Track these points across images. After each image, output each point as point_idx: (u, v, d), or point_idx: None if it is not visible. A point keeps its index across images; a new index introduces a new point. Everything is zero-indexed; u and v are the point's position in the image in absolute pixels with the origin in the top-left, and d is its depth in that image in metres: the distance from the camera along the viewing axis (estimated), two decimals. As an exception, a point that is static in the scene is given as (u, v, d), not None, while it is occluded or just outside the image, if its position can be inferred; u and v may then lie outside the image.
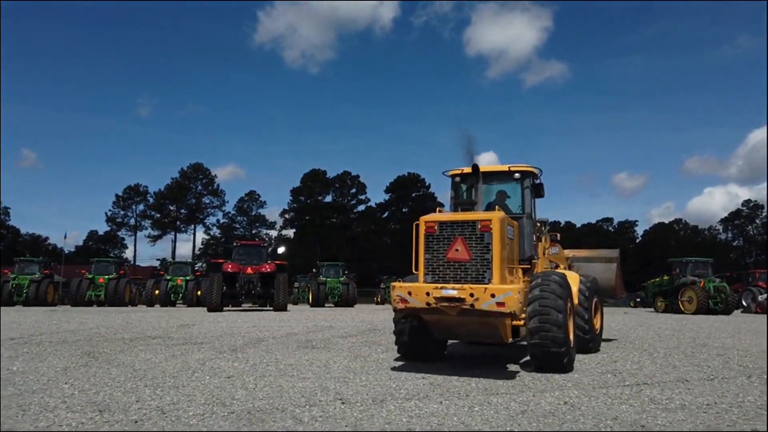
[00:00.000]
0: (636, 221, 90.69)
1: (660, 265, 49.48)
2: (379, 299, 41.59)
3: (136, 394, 5.19)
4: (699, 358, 8.46)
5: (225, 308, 23.17)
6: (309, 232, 73.03)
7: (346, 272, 32.76)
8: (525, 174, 7.97)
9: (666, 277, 31.73)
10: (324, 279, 31.55)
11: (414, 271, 6.69)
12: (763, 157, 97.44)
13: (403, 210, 77.47)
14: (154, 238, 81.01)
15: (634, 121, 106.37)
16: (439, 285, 6.18)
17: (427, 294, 6.15)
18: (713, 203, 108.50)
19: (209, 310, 21.45)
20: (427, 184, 77.51)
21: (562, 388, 5.70)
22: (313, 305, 30.91)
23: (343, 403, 4.92)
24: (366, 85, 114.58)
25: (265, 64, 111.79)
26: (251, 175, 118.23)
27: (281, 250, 25.73)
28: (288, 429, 4.04)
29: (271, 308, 23.57)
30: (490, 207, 7.87)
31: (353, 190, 78.96)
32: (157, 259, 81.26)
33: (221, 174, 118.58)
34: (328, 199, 78.63)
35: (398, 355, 7.81)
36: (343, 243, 72.03)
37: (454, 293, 6.07)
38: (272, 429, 4.04)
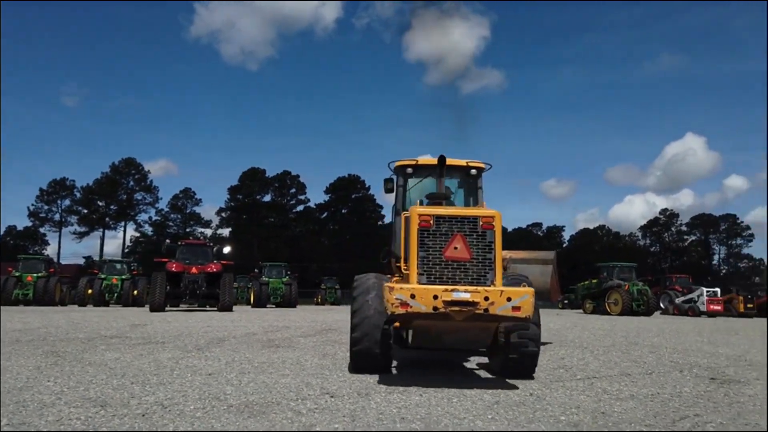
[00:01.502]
0: (563, 226, 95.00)
1: (585, 269, 52.16)
2: (319, 300, 41.72)
3: (128, 391, 5.33)
4: (634, 355, 9.33)
5: (167, 308, 22.72)
6: (246, 232, 71.96)
7: (288, 273, 32.75)
8: (480, 170, 7.82)
9: (594, 281, 33.67)
10: (267, 279, 31.44)
11: (402, 269, 6.18)
12: (679, 168, 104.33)
13: (343, 211, 77.76)
14: (81, 235, 77.47)
15: (563, 129, 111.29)
16: (449, 287, 5.54)
17: (435, 297, 5.48)
18: (633, 211, 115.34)
19: (152, 310, 21.03)
20: (367, 185, 78.22)
21: (523, 383, 6.26)
22: (254, 306, 30.72)
23: (331, 396, 5.27)
24: (307, 85, 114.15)
25: (202, 58, 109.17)
26: (184, 171, 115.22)
27: (227, 250, 25.46)
28: (289, 419, 4.36)
29: (215, 309, 23.35)
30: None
31: (293, 190, 78.56)
32: (84, 257, 77.56)
33: (152, 169, 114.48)
34: (267, 198, 77.88)
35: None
36: (282, 243, 71.47)
37: (467, 296, 5.50)
38: (276, 420, 4.35)
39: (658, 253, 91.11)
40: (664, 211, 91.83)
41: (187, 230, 77.21)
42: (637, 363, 8.32)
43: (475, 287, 5.60)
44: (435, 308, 5.49)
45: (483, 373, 7.13)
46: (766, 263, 69.81)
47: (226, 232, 77.39)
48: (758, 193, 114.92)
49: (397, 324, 6.45)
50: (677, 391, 6.00)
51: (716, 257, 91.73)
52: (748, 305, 34.94)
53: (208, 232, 78.31)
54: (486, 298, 5.50)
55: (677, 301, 35.25)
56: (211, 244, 26.59)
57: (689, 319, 27.97)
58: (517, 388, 5.95)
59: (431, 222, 5.88)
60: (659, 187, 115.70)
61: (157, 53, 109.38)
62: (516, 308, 5.51)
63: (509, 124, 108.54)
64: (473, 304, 5.49)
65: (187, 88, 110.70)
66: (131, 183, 77.72)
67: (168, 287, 21.75)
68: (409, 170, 7.65)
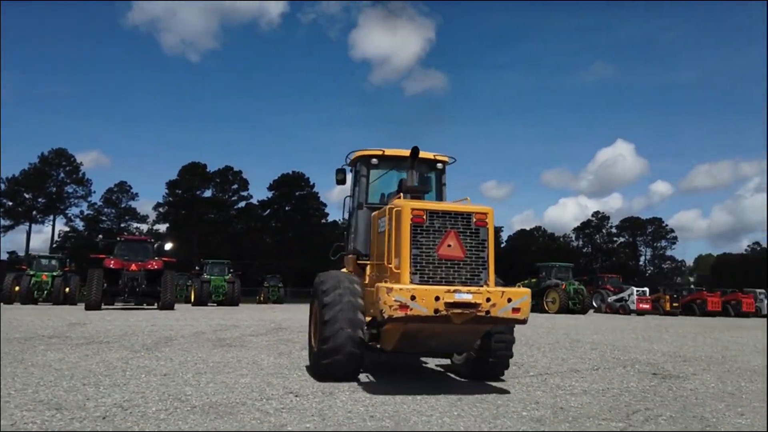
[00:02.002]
0: (502, 227, 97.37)
1: (523, 269, 53.68)
2: (261, 298, 41.04)
3: (81, 393, 5.11)
4: (579, 352, 9.73)
5: (102, 307, 21.77)
6: (185, 228, 69.88)
7: (231, 271, 32.07)
8: (445, 164, 7.37)
9: (533, 280, 34.74)
10: (208, 277, 30.65)
11: (390, 267, 5.62)
12: (609, 173, 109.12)
13: (287, 208, 76.75)
14: (5, 229, 72.99)
15: (503, 132, 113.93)
16: (451, 288, 5.24)
17: (437, 299, 5.14)
18: (566, 213, 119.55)
19: (87, 308, 20.10)
20: (311, 183, 77.49)
21: (481, 379, 6.42)
22: (195, 304, 29.90)
23: (296, 396, 5.24)
24: (250, 79, 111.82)
25: (139, 47, 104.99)
26: (118, 163, 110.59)
27: (168, 246, 24.61)
28: (258, 420, 4.31)
29: (155, 307, 22.60)
30: (390, 197, 7.00)
31: (235, 186, 76.82)
32: (8, 252, 73.14)
33: (84, 161, 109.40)
34: (208, 193, 75.80)
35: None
36: (223, 240, 69.85)
37: (469, 298, 5.20)
38: (245, 420, 4.29)
39: (590, 254, 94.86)
40: (596, 213, 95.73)
41: (122, 225, 74.21)
42: (583, 360, 8.68)
43: (477, 288, 5.33)
44: (436, 310, 5.14)
45: (440, 371, 7.27)
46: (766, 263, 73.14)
47: (163, 227, 74.97)
48: (681, 198, 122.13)
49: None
50: (625, 386, 6.31)
51: (642, 258, 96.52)
52: (674, 304, 36.98)
53: (145, 227, 75.65)
54: (488, 300, 5.24)
55: (609, 300, 36.91)
56: (152, 240, 25.59)
57: (621, 317, 29.36)
58: (476, 385, 6.10)
59: (424, 217, 5.49)
60: (591, 191, 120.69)
61: (91, 39, 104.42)
62: (516, 310, 5.31)
63: (452, 126, 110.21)
64: (475, 305, 5.21)
65: (124, 77, 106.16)
66: (61, 175, 73.94)
67: (105, 285, 20.85)
68: (374, 161, 7.10)
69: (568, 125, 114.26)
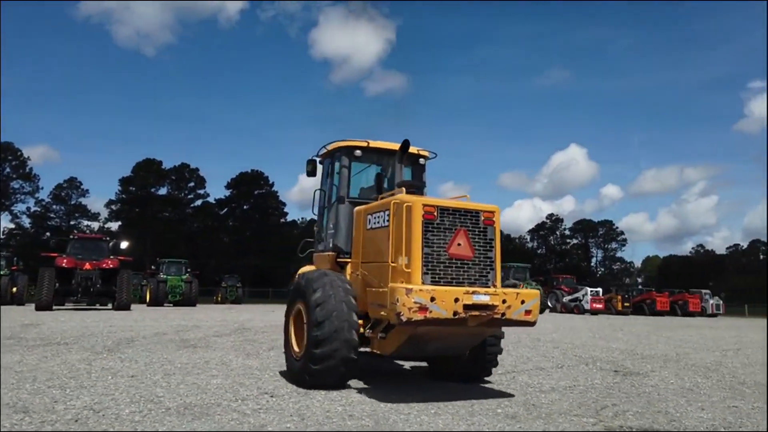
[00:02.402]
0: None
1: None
2: (219, 298, 40.37)
3: (47, 396, 4.95)
4: (542, 350, 9.98)
5: (54, 307, 20.98)
6: (139, 226, 67.94)
7: (189, 270, 31.41)
8: (426, 160, 7.06)
9: (491, 281, 35.33)
10: (165, 277, 29.95)
11: (395, 266, 5.25)
12: (563, 177, 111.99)
13: (245, 207, 75.61)
14: (-56, 225, 69.32)
15: (461, 134, 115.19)
16: (470, 289, 5.04)
17: (456, 300, 4.91)
18: (522, 215, 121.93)
19: (38, 309, 19.33)
20: (270, 182, 76.55)
21: (472, 380, 6.30)
22: (150, 304, 29.17)
23: (271, 396, 5.20)
24: (208, 75, 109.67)
25: (91, 38, 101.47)
26: (68, 159, 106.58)
27: (124, 245, 23.85)
28: (236, 420, 4.27)
29: (109, 307, 21.93)
30: (365, 193, 6.85)
31: (191, 184, 75.11)
32: (-54, 250, 69.49)
33: (31, 155, 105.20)
34: (163, 191, 73.90)
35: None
36: (178, 239, 68.24)
37: (486, 299, 5.02)
38: (223, 421, 4.24)
39: (545, 255, 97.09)
40: (550, 215, 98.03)
41: (72, 223, 71.60)
42: (547, 357, 8.91)
43: (494, 289, 5.19)
44: (455, 313, 4.90)
45: (411, 371, 7.33)
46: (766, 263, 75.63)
47: (115, 226, 72.68)
48: (630, 202, 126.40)
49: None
50: (590, 383, 6.52)
51: (594, 259, 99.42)
52: (626, 304, 38.26)
53: (96, 225, 73.18)
54: (504, 301, 5.08)
55: (564, 299, 37.93)
56: (107, 238, 24.78)
57: (576, 317, 30.20)
58: (448, 384, 6.19)
59: (435, 214, 5.23)
60: (545, 193, 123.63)
61: (40, 30, 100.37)
62: (528, 312, 5.20)
63: (411, 127, 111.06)
64: (492, 308, 5.04)
65: (74, 69, 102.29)
66: (7, 170, 70.79)
67: (57, 284, 20.09)
68: (358, 152, 6.63)
69: (525, 129, 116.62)
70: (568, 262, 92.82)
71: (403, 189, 5.75)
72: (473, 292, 5.02)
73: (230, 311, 24.15)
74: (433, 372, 6.69)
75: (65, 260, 20.70)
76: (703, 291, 42.75)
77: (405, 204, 5.24)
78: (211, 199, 75.70)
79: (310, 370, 5.42)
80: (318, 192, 7.19)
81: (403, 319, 4.80)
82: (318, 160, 7.24)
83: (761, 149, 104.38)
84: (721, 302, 42.41)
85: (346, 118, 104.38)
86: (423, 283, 5.07)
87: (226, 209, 76.20)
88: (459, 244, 5.28)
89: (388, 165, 6.96)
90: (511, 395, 5.61)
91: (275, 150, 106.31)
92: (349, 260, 6.31)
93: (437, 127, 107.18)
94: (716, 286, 64.25)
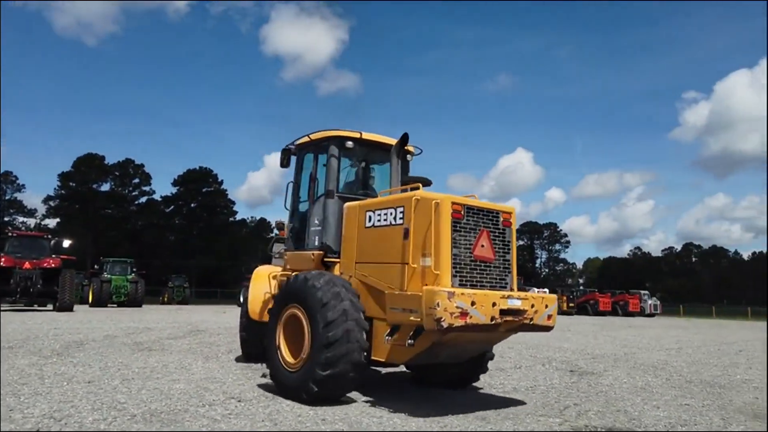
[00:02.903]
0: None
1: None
2: (166, 299, 39.24)
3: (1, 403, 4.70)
4: (497, 351, 10.08)
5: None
6: (79, 223, 65.18)
7: (134, 270, 30.36)
8: (412, 156, 6.73)
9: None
10: (109, 277, 28.84)
11: (416, 268, 4.94)
12: (509, 180, 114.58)
13: (192, 205, 73.79)
14: None
15: (411, 135, 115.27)
16: (505, 293, 4.91)
17: (493, 305, 4.73)
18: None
19: (-29, 310, 18.30)
20: (219, 180, 75.00)
21: (461, 386, 6.21)
22: (93, 305, 28.04)
23: (239, 401, 5.11)
24: (154, 68, 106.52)
25: (28, 26, 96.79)
26: (2, 152, 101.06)
27: (67, 243, 22.74)
28: (207, 427, 4.18)
29: (49, 308, 20.97)
30: (346, 188, 6.42)
31: (136, 180, 72.71)
32: None
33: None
34: (106, 187, 71.23)
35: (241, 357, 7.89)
36: (121, 237, 65.91)
37: (519, 304, 4.89)
38: (193, 427, 4.14)
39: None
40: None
41: (6, 219, 68.04)
42: (504, 358, 9.11)
43: (525, 294, 5.09)
44: (492, 318, 4.71)
45: (380, 374, 7.35)
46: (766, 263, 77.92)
47: (53, 222, 69.55)
48: (573, 205, 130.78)
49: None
50: (549, 383, 6.72)
51: (538, 261, 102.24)
52: (570, 304, 39.57)
53: (32, 222, 69.81)
54: (532, 306, 4.97)
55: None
56: (49, 236, 23.63)
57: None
58: (415, 386, 6.25)
59: (462, 213, 4.98)
60: (492, 196, 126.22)
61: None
62: (549, 317, 5.13)
63: (363, 127, 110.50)
64: (523, 312, 4.90)
65: (9, 58, 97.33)
66: (-66, 162, 66.70)
67: (-7, 284, 19.05)
68: (350, 144, 6.20)
69: (474, 132, 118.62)
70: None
71: (419, 185, 5.48)
72: (508, 297, 4.86)
73: (180, 312, 23.54)
74: (420, 379, 6.40)
75: (3, 259, 19.62)
76: (642, 292, 44.75)
77: (433, 201, 4.90)
78: (156, 197, 73.57)
79: (316, 376, 4.89)
80: (290, 184, 6.79)
81: (444, 324, 4.47)
82: (292, 150, 6.75)
83: (695, 156, 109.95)
84: (658, 302, 44.47)
85: (297, 116, 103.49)
86: (452, 285, 4.75)
87: (172, 207, 74.20)
88: (482, 246, 5.05)
89: (378, 160, 6.63)
90: (477, 396, 5.72)
91: (224, 147, 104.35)
92: (337, 260, 5.87)
93: (389, 128, 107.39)
94: (652, 287, 67.33)
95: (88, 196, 68.48)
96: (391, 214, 5.28)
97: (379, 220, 5.40)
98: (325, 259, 6.03)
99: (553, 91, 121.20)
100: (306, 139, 6.54)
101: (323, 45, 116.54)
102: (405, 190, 5.64)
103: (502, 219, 5.23)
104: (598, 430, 4.49)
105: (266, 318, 6.03)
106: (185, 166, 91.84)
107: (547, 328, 5.20)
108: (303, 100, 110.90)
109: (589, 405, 5.46)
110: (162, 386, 5.72)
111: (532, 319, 4.97)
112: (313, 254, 6.08)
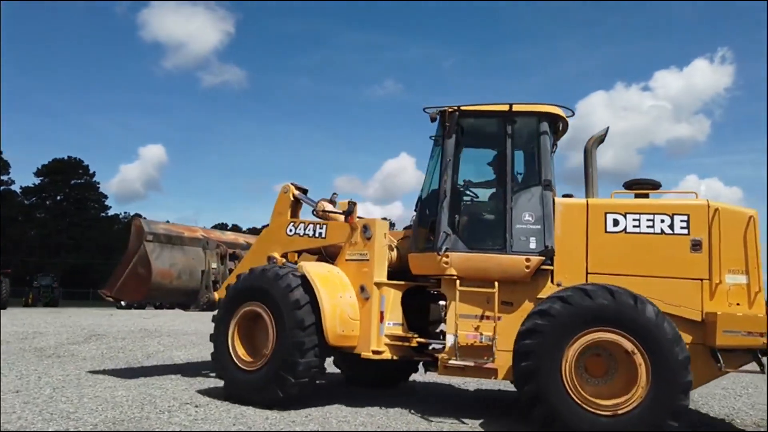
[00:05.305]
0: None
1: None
2: (31, 300, 35.61)
3: (-67, 419, 4.30)
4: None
5: None
6: None
7: (-3, 268, 27.42)
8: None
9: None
10: (-34, 276, 25.84)
11: (734, 286, 4.73)
12: (393, 183, 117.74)
13: (58, 198, 67.66)
14: None
15: (298, 135, 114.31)
16: None
17: None
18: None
19: None
20: (91, 171, 69.35)
21: (354, 380, 6.75)
22: (-55, 308, 24.94)
23: (197, 406, 5.05)
24: (14, 46, 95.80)
25: None
26: None
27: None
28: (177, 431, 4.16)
29: None
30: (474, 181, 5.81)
31: (-9, 169, 65.22)
32: None
33: None
34: (-47, 175, 63.16)
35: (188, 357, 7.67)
36: (-28, 231, 58.76)
37: None
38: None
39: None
40: (384, 219, 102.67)
41: None
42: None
43: None
44: None
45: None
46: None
47: None
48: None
49: None
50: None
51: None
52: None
53: None
54: None
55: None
56: None
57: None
58: (375, 387, 6.41)
59: None
60: (376, 198, 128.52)
61: None
62: None
63: (247, 123, 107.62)
64: None
65: None
66: None
67: None
68: (562, 126, 5.58)
69: (360, 134, 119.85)
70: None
71: (659, 187, 5.22)
72: None
73: (57, 315, 21.62)
74: (353, 378, 6.74)
75: None
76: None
77: (749, 215, 4.78)
78: (15, 187, 66.50)
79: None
80: (441, 163, 5.46)
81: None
82: (455, 115, 5.37)
83: (559, 169, 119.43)
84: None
85: (178, 108, 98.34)
86: None
87: (34, 199, 67.54)
88: None
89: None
90: (443, 394, 6.10)
91: (96, 137, 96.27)
92: (549, 267, 4.97)
93: (273, 126, 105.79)
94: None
95: (-68, 183, 60.39)
96: (659, 220, 4.83)
97: (637, 226, 4.86)
98: (544, 267, 4.96)
99: (437, 100, 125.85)
100: (502, 107, 5.31)
101: (208, 36, 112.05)
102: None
103: None
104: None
105: (351, 343, 5.29)
106: (51, 155, 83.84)
107: None
108: (184, 91, 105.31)
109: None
110: (101, 394, 5.47)
111: None
112: (527, 260, 4.92)
